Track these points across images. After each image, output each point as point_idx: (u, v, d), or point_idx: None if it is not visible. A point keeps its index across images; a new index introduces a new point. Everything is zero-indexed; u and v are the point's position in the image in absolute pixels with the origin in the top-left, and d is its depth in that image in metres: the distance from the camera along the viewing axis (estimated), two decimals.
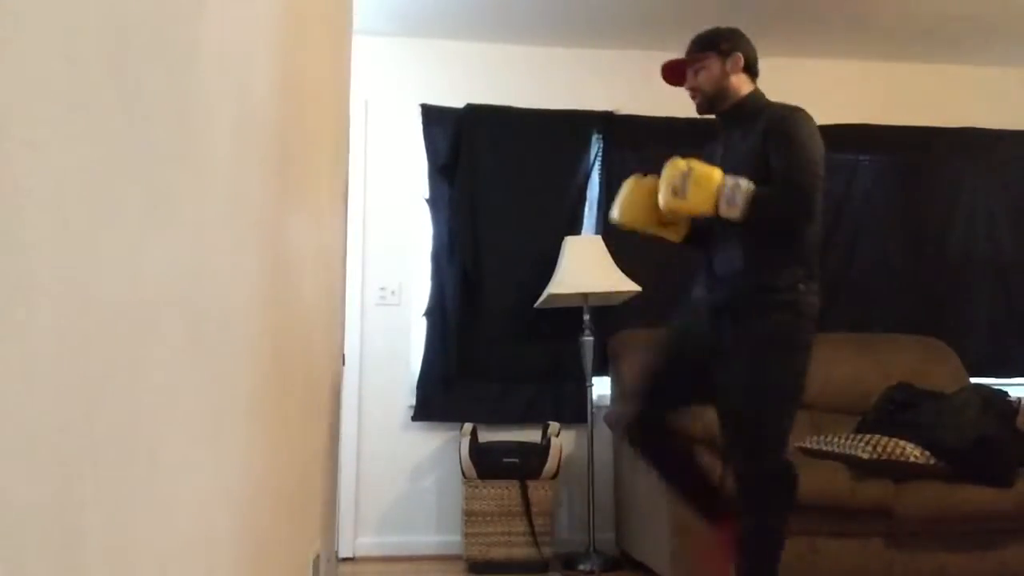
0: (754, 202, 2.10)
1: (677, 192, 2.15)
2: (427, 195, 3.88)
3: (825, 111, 4.10)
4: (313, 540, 2.06)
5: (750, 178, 2.15)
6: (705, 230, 2.40)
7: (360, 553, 3.72)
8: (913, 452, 2.93)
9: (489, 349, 3.80)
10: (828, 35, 3.94)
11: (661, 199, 2.19)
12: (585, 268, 3.58)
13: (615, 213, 2.39)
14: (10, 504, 0.48)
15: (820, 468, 2.97)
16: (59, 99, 0.54)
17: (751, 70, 2.38)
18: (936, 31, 3.90)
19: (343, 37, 2.81)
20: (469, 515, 3.41)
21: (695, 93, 2.37)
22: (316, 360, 2.00)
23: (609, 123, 3.97)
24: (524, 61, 4.03)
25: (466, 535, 3.41)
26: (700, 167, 2.15)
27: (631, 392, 2.47)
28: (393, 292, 3.88)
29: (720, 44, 2.35)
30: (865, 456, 2.91)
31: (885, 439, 2.95)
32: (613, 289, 3.56)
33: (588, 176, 3.96)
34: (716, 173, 2.14)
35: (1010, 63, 4.28)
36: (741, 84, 2.35)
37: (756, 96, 2.35)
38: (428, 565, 3.61)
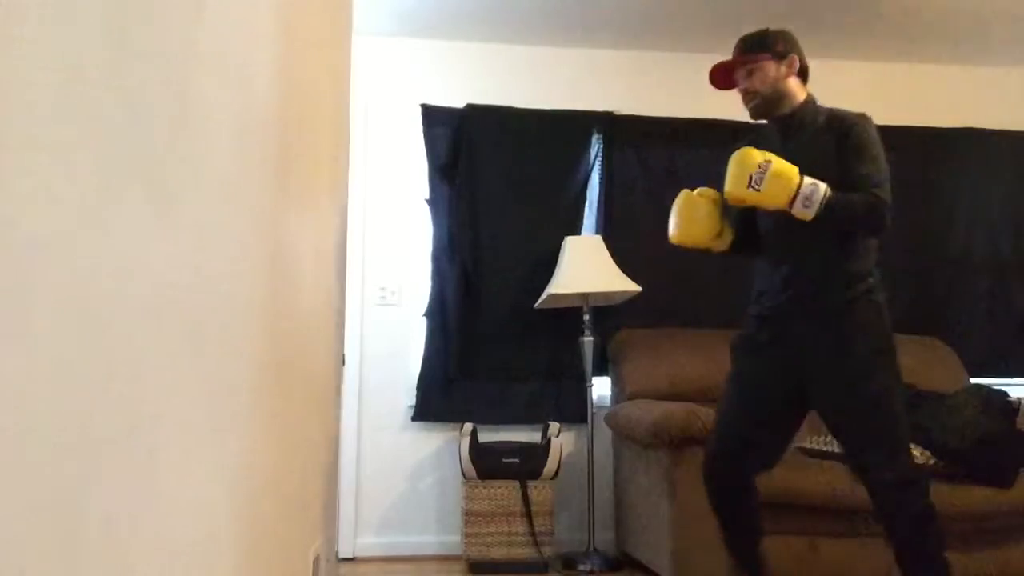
0: (830, 207, 2.06)
1: (753, 183, 2.07)
2: (427, 195, 3.88)
3: None
4: (313, 540, 2.06)
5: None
6: (747, 238, 2.38)
7: (360, 553, 3.72)
8: (913, 452, 2.93)
9: (489, 349, 3.80)
10: (827, 36, 3.94)
11: (731, 187, 2.10)
12: (585, 268, 3.58)
13: (674, 232, 2.33)
14: (10, 504, 0.48)
15: (820, 468, 2.97)
16: (59, 99, 0.54)
17: (804, 74, 2.32)
18: (935, 31, 3.90)
19: (343, 37, 2.81)
20: (469, 515, 3.41)
21: (750, 96, 2.28)
22: (316, 360, 2.01)
23: (609, 123, 3.97)
24: (524, 61, 4.03)
25: (466, 535, 3.41)
26: (780, 161, 2.09)
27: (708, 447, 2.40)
28: (393, 292, 3.88)
29: (775, 45, 2.28)
30: None
31: None
32: (613, 289, 3.56)
33: (588, 176, 3.96)
34: (795, 170, 2.08)
35: (1010, 63, 4.28)
36: (797, 88, 2.28)
37: (813, 103, 2.30)
38: (428, 565, 3.61)
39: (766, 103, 2.27)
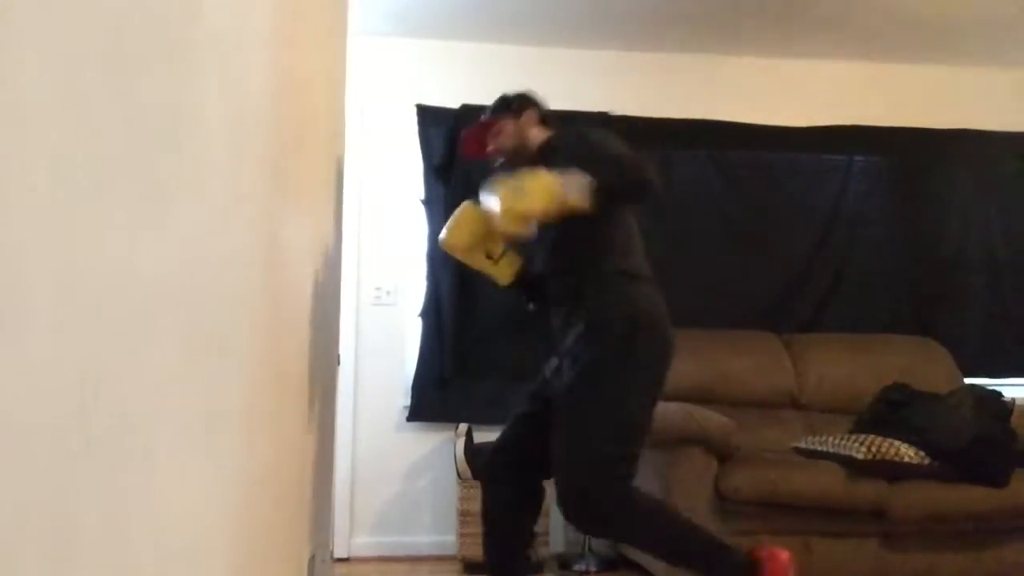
0: (595, 177, 2.01)
1: (518, 195, 2.00)
2: (423, 195, 3.88)
3: (819, 112, 4.14)
4: (308, 540, 2.06)
5: (571, 231, 2.17)
6: (531, 281, 2.39)
7: (355, 553, 3.72)
8: (907, 452, 2.93)
9: (484, 349, 3.80)
10: (822, 36, 3.94)
11: (505, 210, 2.01)
12: None
13: (443, 234, 2.31)
14: (5, 505, 0.48)
15: (814, 468, 2.97)
16: (54, 95, 0.53)
17: (545, 123, 2.46)
18: (929, 33, 3.91)
19: (339, 37, 2.81)
20: (464, 515, 3.41)
21: (497, 153, 2.43)
22: (311, 360, 2.00)
23: (604, 123, 3.97)
24: (520, 61, 4.03)
25: (461, 535, 3.41)
26: (525, 171, 2.06)
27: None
28: (388, 292, 3.88)
29: (511, 105, 2.44)
30: (860, 456, 2.92)
31: (879, 439, 2.96)
32: None
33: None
34: (542, 170, 2.05)
35: (1003, 64, 4.29)
36: (537, 134, 2.42)
37: (548, 138, 2.41)
38: (423, 565, 3.61)
39: (514, 154, 2.40)
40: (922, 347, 3.79)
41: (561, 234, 2.26)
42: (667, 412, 2.92)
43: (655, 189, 2.11)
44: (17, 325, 0.49)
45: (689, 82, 4.08)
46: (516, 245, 2.34)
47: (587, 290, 2.24)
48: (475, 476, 2.45)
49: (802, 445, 3.16)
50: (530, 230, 2.10)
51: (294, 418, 1.75)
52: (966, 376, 3.72)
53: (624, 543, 2.35)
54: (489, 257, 2.32)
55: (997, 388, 3.28)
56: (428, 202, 3.87)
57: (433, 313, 3.80)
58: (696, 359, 3.52)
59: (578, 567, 3.43)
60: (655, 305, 2.27)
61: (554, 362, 2.29)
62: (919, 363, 3.67)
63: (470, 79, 3.99)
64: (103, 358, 0.62)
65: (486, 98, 3.94)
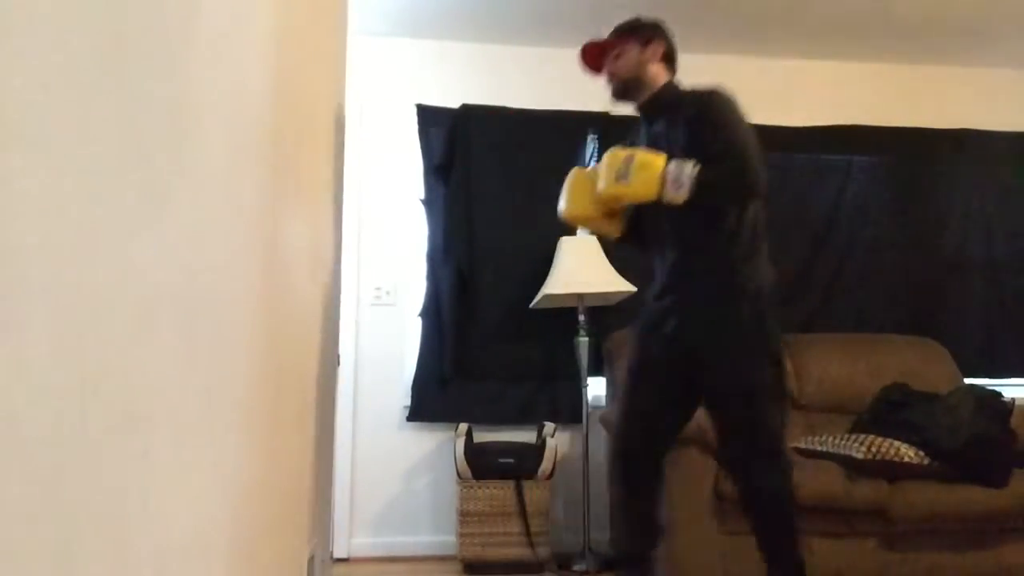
0: (700, 183, 2.04)
1: (620, 178, 2.09)
2: (422, 195, 3.88)
3: (819, 112, 4.13)
4: (308, 540, 2.06)
5: (695, 213, 2.15)
6: (639, 229, 2.38)
7: (355, 554, 3.72)
8: (907, 452, 2.93)
9: (484, 349, 3.80)
10: (822, 36, 3.95)
11: (601, 185, 2.14)
12: (580, 268, 3.58)
13: (562, 205, 2.32)
14: (4, 504, 0.47)
15: (814, 468, 2.97)
16: (54, 97, 0.53)
17: (670, 61, 2.35)
18: (929, 33, 3.91)
19: (339, 37, 2.81)
20: (464, 515, 3.41)
21: (612, 78, 2.33)
22: (311, 360, 2.00)
23: (605, 123, 3.97)
24: (520, 61, 4.03)
25: (461, 535, 3.41)
26: (643, 153, 2.11)
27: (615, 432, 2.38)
28: (388, 292, 3.88)
29: (640, 32, 2.33)
30: (860, 456, 2.92)
31: (879, 439, 2.96)
32: (608, 289, 3.57)
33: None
34: (659, 158, 2.09)
35: (1003, 64, 4.29)
36: (659, 73, 2.32)
37: (673, 85, 2.33)
38: (423, 565, 3.61)
39: (626, 87, 2.32)
40: (922, 347, 3.79)
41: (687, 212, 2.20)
42: None
43: (759, 193, 2.13)
44: (17, 325, 0.49)
45: (688, 82, 4.07)
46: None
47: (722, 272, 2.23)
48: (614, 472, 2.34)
49: (802, 445, 3.16)
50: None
51: (294, 418, 1.75)
52: (966, 376, 3.72)
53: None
54: (608, 216, 2.30)
55: (997, 388, 3.28)
56: (428, 202, 3.87)
57: (433, 313, 3.80)
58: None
59: (578, 567, 3.43)
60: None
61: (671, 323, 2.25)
62: (919, 363, 3.67)
63: (470, 79, 3.99)
64: (103, 358, 0.62)
65: (486, 98, 3.97)
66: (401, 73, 3.97)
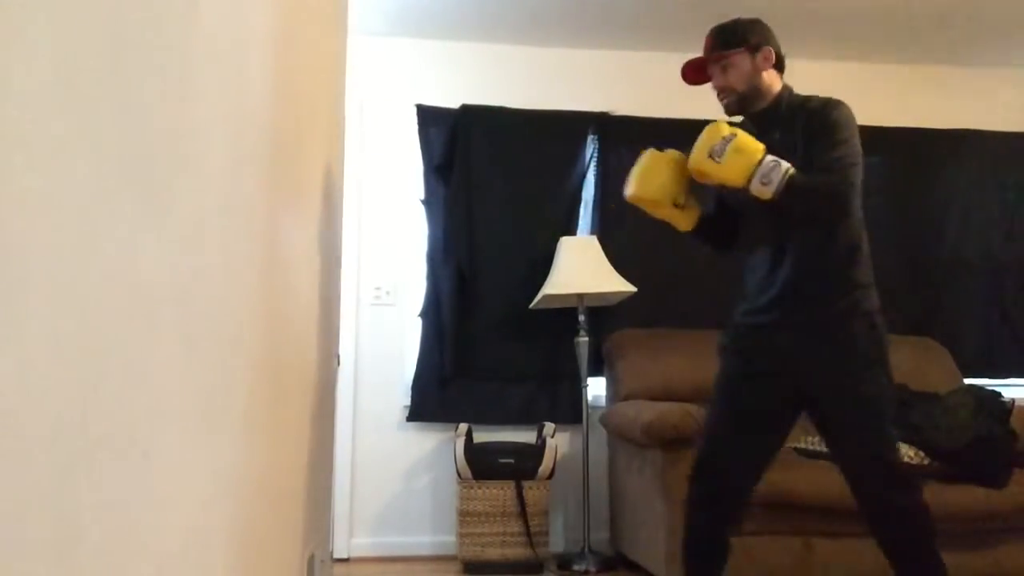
0: (790, 186, 1.94)
1: (714, 155, 1.98)
2: (422, 195, 3.88)
3: None
4: (308, 540, 2.06)
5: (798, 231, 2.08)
6: (718, 224, 2.28)
7: (355, 554, 3.72)
8: (908, 452, 2.93)
9: (484, 350, 3.80)
10: (821, 37, 3.95)
11: (693, 158, 2.02)
12: (580, 268, 3.58)
13: (630, 186, 2.18)
14: (5, 505, 0.47)
15: (815, 468, 2.97)
16: (54, 99, 0.53)
17: (780, 64, 2.21)
18: (929, 33, 3.91)
19: (339, 37, 2.81)
20: (464, 515, 3.41)
21: (725, 93, 2.18)
22: (311, 360, 2.00)
23: (605, 124, 3.97)
24: (520, 61, 4.03)
25: (461, 535, 3.41)
26: (745, 136, 2.01)
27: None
28: (388, 292, 3.88)
29: (749, 38, 2.16)
30: None
31: None
32: (608, 289, 3.57)
33: (583, 177, 3.97)
34: (760, 145, 1.99)
35: (1003, 64, 4.29)
36: (773, 81, 2.18)
37: (789, 92, 2.20)
38: (423, 566, 3.61)
39: (742, 99, 2.18)
40: (922, 347, 3.79)
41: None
42: (666, 412, 2.92)
43: (848, 214, 2.04)
44: (17, 325, 0.49)
45: None
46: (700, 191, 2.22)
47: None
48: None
49: (802, 445, 3.16)
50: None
51: (294, 418, 1.75)
52: (966, 376, 3.72)
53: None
54: (676, 205, 2.18)
55: (997, 388, 3.28)
56: (428, 202, 3.87)
57: (433, 313, 3.80)
58: (696, 359, 3.52)
59: (578, 567, 3.43)
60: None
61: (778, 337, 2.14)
62: (919, 363, 3.67)
63: (470, 79, 3.99)
64: (103, 359, 0.62)
65: (486, 98, 3.97)
66: (401, 73, 3.98)
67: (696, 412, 2.95)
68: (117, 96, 0.64)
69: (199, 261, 0.88)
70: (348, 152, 3.61)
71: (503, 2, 3.64)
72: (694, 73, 2.25)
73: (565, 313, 3.74)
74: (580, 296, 3.59)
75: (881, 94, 4.22)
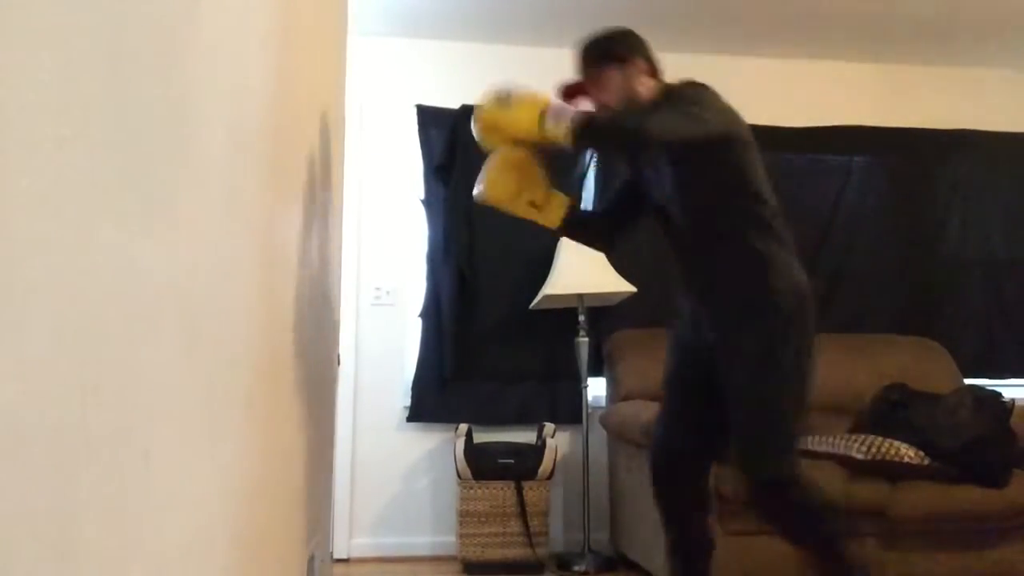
0: (584, 119, 1.83)
1: (501, 101, 1.88)
2: (422, 196, 3.88)
3: (819, 112, 4.14)
4: (308, 541, 2.06)
5: (691, 199, 2.02)
6: (600, 221, 2.22)
7: (355, 554, 3.72)
8: (907, 452, 2.93)
9: (484, 350, 3.80)
10: (822, 37, 3.95)
11: (483, 107, 1.90)
12: (580, 269, 3.58)
13: (478, 188, 2.08)
14: (5, 505, 0.47)
15: (814, 468, 2.97)
16: (54, 99, 0.53)
17: (653, 69, 2.14)
18: (929, 33, 3.91)
19: (338, 38, 2.81)
20: (464, 516, 3.41)
21: (603, 110, 2.09)
22: (311, 360, 2.00)
23: None
24: (520, 62, 4.03)
25: (461, 536, 3.41)
26: (523, 90, 1.91)
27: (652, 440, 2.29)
28: (388, 293, 3.88)
29: (617, 52, 2.11)
30: (859, 456, 2.92)
31: (879, 439, 2.96)
32: (608, 290, 3.57)
33: (583, 177, 3.97)
34: (543, 96, 1.90)
35: (1003, 65, 4.29)
36: (649, 90, 2.09)
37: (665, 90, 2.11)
38: (423, 566, 3.61)
39: None
40: (922, 347, 3.79)
41: (685, 187, 2.02)
42: None
43: (648, 142, 1.90)
44: (17, 325, 0.49)
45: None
46: (561, 185, 2.13)
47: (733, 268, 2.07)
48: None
49: (801, 445, 3.16)
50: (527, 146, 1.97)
51: (294, 418, 1.75)
52: (965, 376, 3.72)
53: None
54: (533, 205, 2.13)
55: (997, 388, 3.28)
56: (428, 202, 3.87)
57: (433, 313, 3.80)
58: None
59: (578, 567, 3.43)
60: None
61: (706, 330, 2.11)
62: (919, 363, 3.67)
63: (470, 79, 3.98)
64: (103, 359, 0.62)
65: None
66: (401, 73, 3.98)
67: None
68: (118, 96, 0.64)
69: (199, 261, 0.88)
70: (348, 152, 3.61)
71: (503, 2, 3.64)
72: (572, 93, 2.18)
73: (565, 313, 3.74)
74: (580, 296, 3.59)
75: (881, 94, 4.22)
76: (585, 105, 2.13)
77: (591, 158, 3.97)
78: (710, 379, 2.12)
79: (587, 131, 1.84)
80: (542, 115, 1.85)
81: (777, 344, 2.02)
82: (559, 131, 1.84)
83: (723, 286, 2.09)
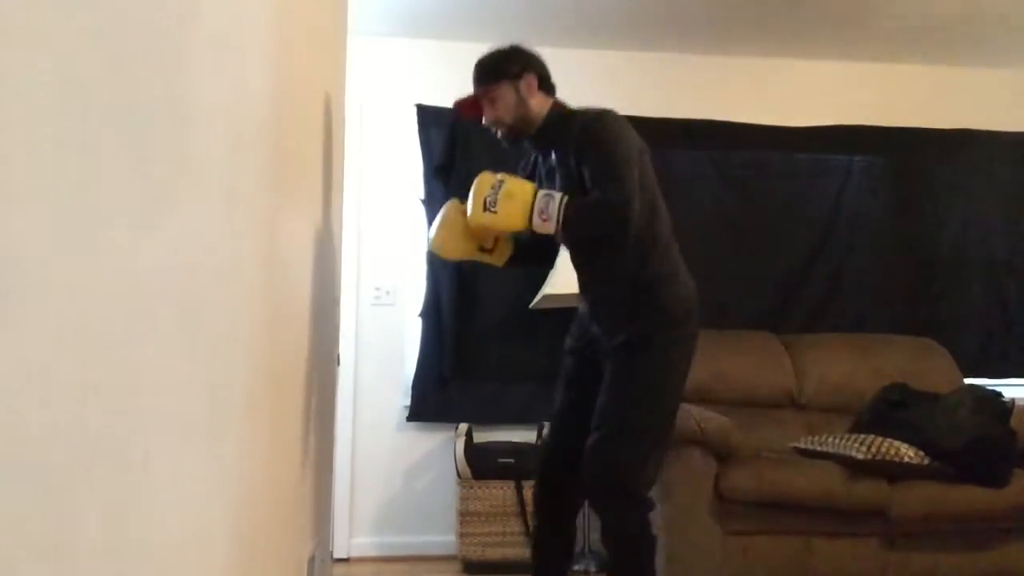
0: (568, 214, 1.99)
1: (488, 207, 2.01)
2: (422, 195, 3.88)
3: (819, 112, 4.13)
4: (308, 540, 2.06)
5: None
6: (533, 247, 2.33)
7: (355, 554, 3.72)
8: (908, 452, 2.93)
9: (484, 349, 3.80)
10: (822, 37, 3.95)
11: (470, 213, 2.04)
12: None
13: (432, 242, 2.22)
14: (5, 505, 0.47)
15: (814, 468, 2.97)
16: (55, 98, 0.53)
17: (547, 85, 2.23)
18: (929, 33, 3.91)
19: (339, 38, 2.81)
20: (464, 515, 3.41)
21: (497, 125, 2.21)
22: (311, 360, 2.00)
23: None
24: None
25: (461, 535, 3.41)
26: (513, 180, 2.04)
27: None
28: (388, 292, 3.88)
29: (508, 69, 2.19)
30: (860, 456, 2.92)
31: (880, 439, 2.96)
32: None
33: None
34: (529, 186, 2.03)
35: (1002, 65, 4.29)
36: (541, 104, 2.19)
37: (558, 111, 2.21)
38: (423, 565, 3.61)
39: (513, 129, 2.20)
40: (922, 347, 3.79)
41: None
42: None
43: (632, 223, 2.04)
44: (17, 325, 0.49)
45: (689, 82, 4.08)
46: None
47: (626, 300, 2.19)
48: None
49: (802, 445, 3.16)
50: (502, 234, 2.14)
51: (294, 418, 1.75)
52: (965, 376, 3.72)
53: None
54: (483, 249, 2.23)
55: (997, 388, 3.28)
56: (428, 202, 3.87)
57: (433, 313, 3.80)
58: (696, 359, 3.52)
59: (578, 567, 3.43)
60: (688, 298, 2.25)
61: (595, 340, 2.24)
62: (919, 363, 3.67)
63: (470, 79, 3.97)
64: (103, 358, 0.62)
65: None
66: (401, 73, 3.97)
67: (695, 412, 2.95)
68: (118, 96, 0.64)
69: (199, 261, 0.88)
70: (348, 152, 3.61)
71: (503, 2, 3.64)
72: (469, 109, 2.29)
73: (565, 313, 3.73)
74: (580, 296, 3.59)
75: (881, 94, 4.22)
76: (479, 119, 2.28)
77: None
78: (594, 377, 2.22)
79: (577, 225, 2.03)
80: (529, 217, 1.99)
81: (661, 342, 2.15)
82: (546, 229, 2.00)
83: (616, 299, 2.20)
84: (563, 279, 3.56)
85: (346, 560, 3.69)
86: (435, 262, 3.83)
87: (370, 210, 3.90)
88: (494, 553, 3.39)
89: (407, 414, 3.78)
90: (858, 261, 4.08)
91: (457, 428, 3.55)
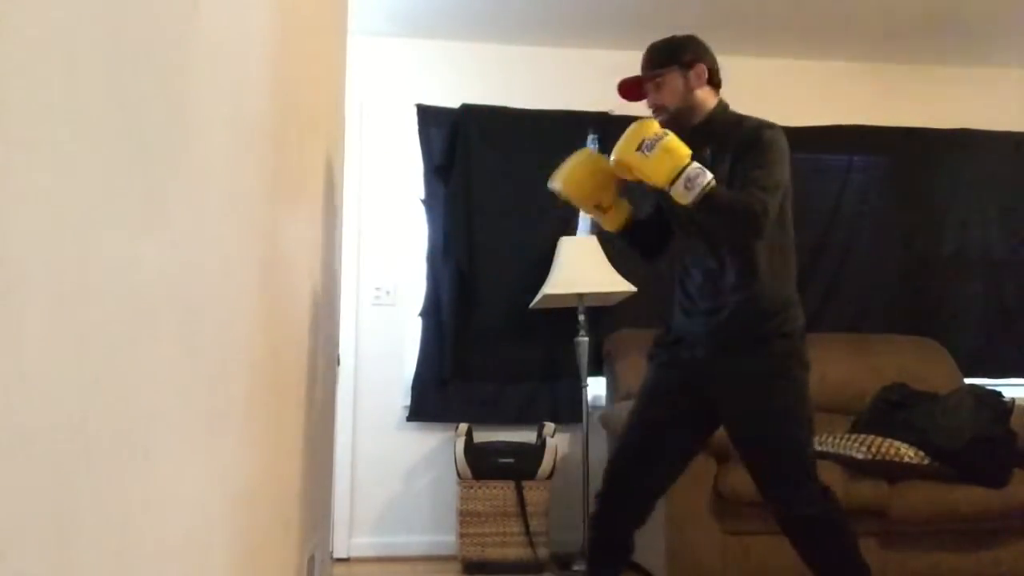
0: (710, 196, 1.93)
1: (643, 147, 1.94)
2: (422, 195, 3.88)
3: (818, 112, 4.13)
4: (308, 540, 2.06)
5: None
6: (650, 231, 2.30)
7: (355, 554, 3.72)
8: (907, 452, 2.93)
9: (484, 349, 3.80)
10: (822, 37, 3.95)
11: (620, 148, 1.98)
12: (580, 268, 3.58)
13: (555, 179, 2.19)
14: (5, 505, 0.47)
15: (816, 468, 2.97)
16: (54, 99, 0.53)
17: (714, 81, 2.20)
18: (929, 33, 3.91)
19: (339, 37, 2.81)
20: (464, 515, 3.41)
21: (658, 111, 2.18)
22: (311, 360, 2.00)
23: (605, 124, 3.97)
24: (520, 61, 4.03)
25: (461, 535, 3.41)
26: (676, 138, 1.98)
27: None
28: (388, 292, 3.88)
29: (681, 56, 2.16)
30: (860, 456, 2.92)
31: (880, 439, 2.96)
32: (608, 289, 3.57)
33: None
34: (688, 151, 1.97)
35: (1003, 64, 4.29)
36: (707, 97, 2.18)
37: (723, 109, 2.20)
38: (423, 566, 3.61)
39: (675, 117, 2.17)
40: (922, 347, 3.79)
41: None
42: None
43: (760, 236, 2.04)
44: (17, 325, 0.49)
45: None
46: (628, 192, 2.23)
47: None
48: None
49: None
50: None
51: (294, 418, 1.75)
52: (966, 376, 3.72)
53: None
54: (599, 207, 2.20)
55: (997, 388, 3.28)
56: (428, 202, 3.87)
57: (433, 313, 3.81)
58: None
59: (578, 567, 3.43)
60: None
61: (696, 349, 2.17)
62: (919, 363, 3.67)
63: (470, 79, 3.98)
64: (103, 358, 0.62)
65: (486, 98, 3.97)
66: (401, 73, 3.98)
67: None
68: (117, 95, 0.64)
69: (199, 261, 0.88)
70: (348, 152, 3.61)
71: (503, 2, 3.64)
72: (631, 90, 2.26)
73: (565, 313, 3.74)
74: (580, 296, 3.59)
75: (881, 94, 4.22)
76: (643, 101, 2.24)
77: None
78: (697, 401, 2.17)
79: (711, 213, 1.98)
80: (677, 177, 1.93)
81: (782, 369, 2.11)
82: (685, 198, 1.94)
83: (732, 314, 2.14)
84: (563, 278, 3.57)
85: (346, 560, 3.69)
86: (436, 260, 3.83)
87: (370, 210, 3.90)
88: (494, 553, 3.39)
89: (407, 414, 3.78)
90: (858, 261, 4.08)
91: (457, 428, 3.55)
